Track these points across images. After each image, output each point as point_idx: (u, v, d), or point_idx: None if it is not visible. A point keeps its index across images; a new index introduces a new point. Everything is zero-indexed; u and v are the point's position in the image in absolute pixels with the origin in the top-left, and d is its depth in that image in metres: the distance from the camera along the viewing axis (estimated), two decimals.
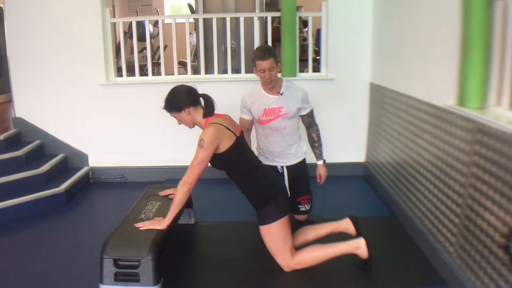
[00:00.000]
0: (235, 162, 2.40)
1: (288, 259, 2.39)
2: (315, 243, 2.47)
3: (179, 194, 2.28)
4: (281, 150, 2.90)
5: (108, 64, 3.92)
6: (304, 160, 3.01)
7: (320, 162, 2.97)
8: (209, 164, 2.34)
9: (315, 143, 2.97)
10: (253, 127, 3.02)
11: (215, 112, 2.43)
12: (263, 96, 2.85)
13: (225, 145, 2.31)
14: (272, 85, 2.78)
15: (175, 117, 2.44)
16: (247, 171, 2.44)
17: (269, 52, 2.71)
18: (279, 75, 2.91)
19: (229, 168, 2.45)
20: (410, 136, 2.88)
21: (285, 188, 2.57)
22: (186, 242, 2.84)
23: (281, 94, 2.82)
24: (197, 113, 2.40)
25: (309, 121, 2.97)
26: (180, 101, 2.37)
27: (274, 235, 2.39)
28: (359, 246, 2.37)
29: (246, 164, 2.44)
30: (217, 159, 2.36)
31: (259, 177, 2.45)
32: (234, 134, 2.37)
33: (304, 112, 2.91)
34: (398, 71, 3.16)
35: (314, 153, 2.98)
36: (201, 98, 2.43)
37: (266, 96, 2.84)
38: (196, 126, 2.46)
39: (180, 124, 2.48)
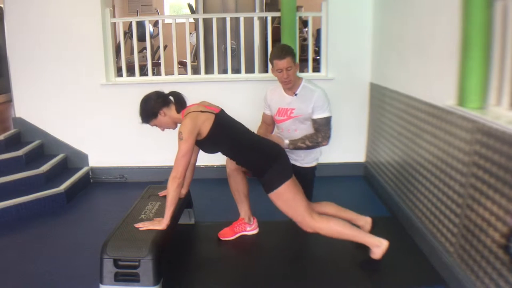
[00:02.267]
0: (222, 139, 2.41)
1: (308, 218, 2.36)
2: None
3: (171, 191, 2.29)
4: (290, 150, 2.81)
5: (108, 64, 3.92)
6: (312, 167, 2.88)
7: (286, 141, 2.69)
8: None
9: (305, 137, 2.70)
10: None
11: (188, 104, 2.46)
12: (281, 95, 2.80)
13: (206, 128, 2.33)
14: (290, 85, 2.71)
15: (155, 125, 2.46)
16: (238, 143, 2.44)
17: (286, 51, 2.64)
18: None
19: (221, 147, 2.46)
20: (410, 136, 2.88)
21: (283, 151, 2.53)
22: (186, 242, 2.84)
23: (296, 95, 2.74)
24: (172, 112, 2.43)
25: (315, 127, 2.72)
26: (153, 106, 2.40)
27: (284, 199, 2.38)
28: (380, 246, 2.35)
29: (235, 137, 2.44)
30: (205, 144, 2.38)
31: (253, 146, 2.45)
32: (212, 113, 2.38)
33: (314, 116, 2.69)
34: (398, 71, 3.16)
35: (298, 139, 2.71)
36: (170, 97, 2.45)
37: (283, 95, 2.79)
38: (178, 124, 2.47)
39: (163, 130, 2.50)
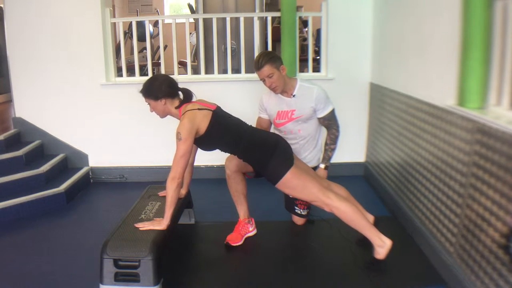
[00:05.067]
0: (220, 136, 2.41)
1: (323, 198, 2.35)
2: None
3: (170, 192, 2.28)
4: (294, 151, 2.80)
5: (108, 64, 3.92)
6: (314, 168, 2.88)
7: (322, 166, 2.82)
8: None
9: (327, 146, 2.83)
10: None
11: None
12: (277, 97, 2.79)
13: (204, 125, 2.33)
14: (278, 91, 2.71)
15: (149, 103, 2.44)
16: (236, 139, 2.43)
17: (262, 60, 2.61)
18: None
19: (219, 144, 2.46)
20: (410, 136, 2.88)
21: (281, 139, 2.54)
22: (186, 242, 2.84)
23: (294, 96, 2.74)
24: (173, 105, 2.42)
25: (326, 124, 2.82)
26: (159, 90, 2.38)
27: (293, 185, 2.38)
28: (383, 246, 2.34)
29: (232, 133, 2.44)
30: (203, 141, 2.37)
31: (250, 140, 2.44)
32: (209, 110, 2.38)
33: (320, 115, 2.78)
34: (398, 71, 3.16)
35: (323, 154, 2.86)
36: (180, 92, 2.44)
37: (281, 98, 2.78)
38: (168, 116, 2.47)
39: (152, 111, 2.48)
